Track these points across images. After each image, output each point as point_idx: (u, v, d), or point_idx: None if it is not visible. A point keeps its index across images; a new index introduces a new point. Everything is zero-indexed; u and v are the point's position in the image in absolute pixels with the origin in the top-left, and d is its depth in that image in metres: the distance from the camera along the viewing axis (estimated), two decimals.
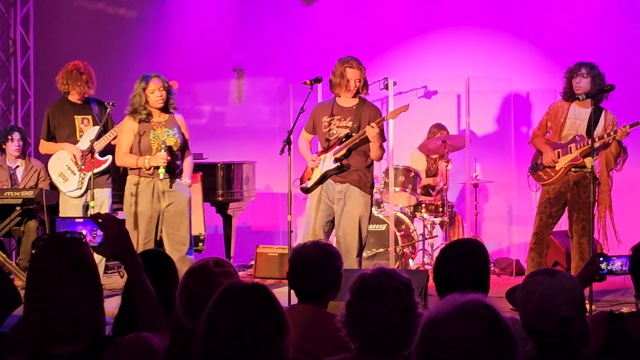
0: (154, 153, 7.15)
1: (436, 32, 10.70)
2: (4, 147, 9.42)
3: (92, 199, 7.42)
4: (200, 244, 8.89)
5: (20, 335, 2.94)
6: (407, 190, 9.37)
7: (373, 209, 9.22)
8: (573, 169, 7.42)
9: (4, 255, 8.54)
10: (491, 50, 10.47)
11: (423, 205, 9.65)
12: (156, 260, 3.88)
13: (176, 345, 3.13)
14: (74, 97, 7.89)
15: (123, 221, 3.12)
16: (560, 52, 9.82)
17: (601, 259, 3.90)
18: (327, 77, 7.25)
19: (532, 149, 7.80)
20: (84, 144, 7.77)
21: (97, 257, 6.16)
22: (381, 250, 9.14)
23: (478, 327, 2.05)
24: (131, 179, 7.29)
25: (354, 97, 7.16)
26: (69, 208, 7.72)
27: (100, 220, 3.04)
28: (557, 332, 2.85)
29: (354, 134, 7.02)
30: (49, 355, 2.65)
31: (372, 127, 6.84)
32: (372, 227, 9.08)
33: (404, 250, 9.31)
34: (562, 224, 9.38)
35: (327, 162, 7.12)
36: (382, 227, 9.21)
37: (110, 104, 7.48)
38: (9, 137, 9.34)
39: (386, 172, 9.45)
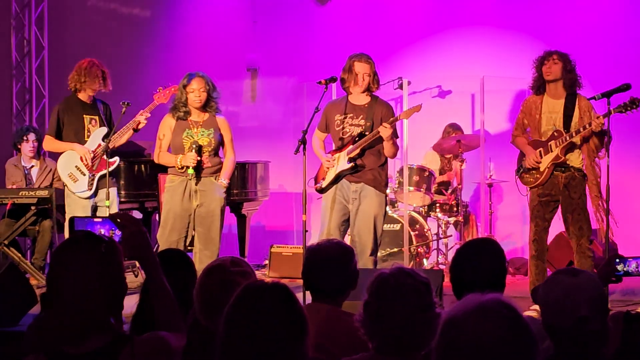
0: (186, 152, 7.19)
1: (450, 32, 10.69)
2: (19, 146, 9.45)
3: (108, 198, 7.44)
4: None
5: (37, 333, 2.95)
6: (422, 189, 9.36)
7: (387, 208, 9.25)
8: (559, 169, 7.18)
9: (19, 255, 8.57)
10: (505, 49, 10.45)
11: (437, 204, 9.64)
12: (174, 259, 3.89)
13: (193, 344, 3.13)
14: (84, 96, 7.82)
15: (140, 220, 3.13)
16: (575, 53, 9.77)
17: (617, 260, 3.89)
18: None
19: (517, 148, 7.61)
20: (92, 144, 7.75)
21: None
22: (395, 249, 9.14)
23: (498, 326, 2.05)
24: (168, 177, 7.36)
25: (365, 93, 7.12)
26: (78, 208, 7.66)
27: (118, 220, 3.05)
28: (575, 331, 2.86)
29: (367, 133, 6.99)
30: (67, 354, 2.66)
31: (386, 127, 6.82)
32: (386, 226, 9.05)
33: (418, 249, 9.31)
34: None
35: (342, 162, 7.10)
36: (397, 227, 9.20)
37: (126, 103, 7.48)
38: (25, 137, 9.35)
39: (400, 171, 9.44)
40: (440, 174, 10.00)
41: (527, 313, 6.87)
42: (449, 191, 9.83)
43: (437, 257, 9.65)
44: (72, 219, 3.24)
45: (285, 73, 11.40)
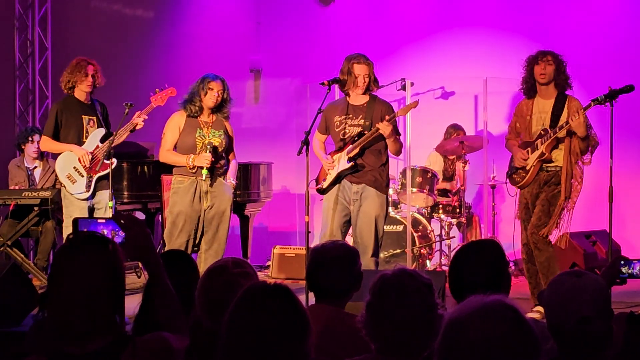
0: (198, 152, 7.20)
1: (454, 33, 10.69)
2: (23, 147, 9.46)
3: (110, 199, 7.43)
4: None
5: (39, 334, 2.95)
6: (425, 191, 9.36)
7: (390, 209, 9.25)
8: (544, 168, 7.15)
9: (22, 255, 8.58)
10: (509, 51, 10.44)
11: (440, 206, 9.64)
12: (177, 260, 3.89)
13: (195, 345, 3.13)
14: (81, 96, 7.74)
15: (143, 221, 3.13)
16: (577, 55, 9.79)
17: (622, 262, 3.89)
18: None
19: (509, 151, 7.58)
20: (90, 145, 7.70)
21: None
22: (398, 251, 9.13)
23: (501, 328, 2.05)
24: (175, 179, 7.34)
25: (364, 94, 7.12)
26: (75, 210, 7.62)
27: (122, 221, 3.05)
28: (578, 332, 2.86)
29: (366, 132, 6.99)
30: (68, 354, 2.66)
31: (385, 124, 6.81)
32: (389, 227, 9.08)
33: (421, 251, 9.30)
34: (578, 225, 9.39)
35: (342, 162, 7.09)
36: (400, 228, 9.20)
37: (129, 104, 7.46)
38: (30, 138, 9.36)
39: (403, 172, 9.44)
40: (444, 175, 10.00)
41: (530, 314, 6.87)
42: (452, 193, 9.84)
43: (440, 258, 9.65)
44: (75, 220, 3.24)
45: (289, 74, 11.40)
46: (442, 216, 9.64)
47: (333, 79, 7.08)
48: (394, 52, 10.66)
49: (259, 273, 9.92)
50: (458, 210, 9.58)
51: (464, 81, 10.47)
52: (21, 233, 8.68)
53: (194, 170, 7.22)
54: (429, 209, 9.69)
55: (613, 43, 9.97)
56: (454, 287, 3.70)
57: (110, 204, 7.44)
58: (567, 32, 10.15)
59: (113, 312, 2.72)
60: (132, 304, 3.75)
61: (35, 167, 9.45)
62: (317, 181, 7.32)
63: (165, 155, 7.39)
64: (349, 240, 7.39)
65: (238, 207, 9.41)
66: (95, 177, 7.61)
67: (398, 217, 9.27)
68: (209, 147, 7.20)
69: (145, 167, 8.84)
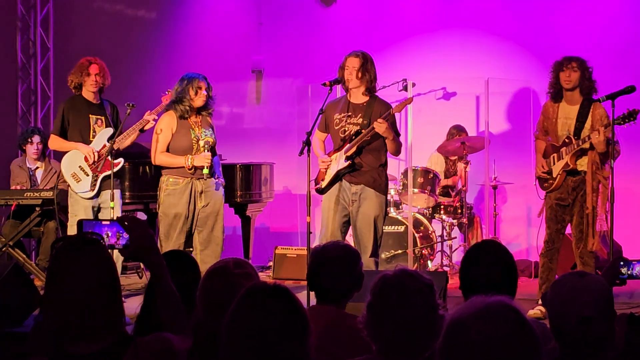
0: (194, 152, 7.21)
1: (455, 34, 10.70)
2: (24, 148, 9.47)
3: (112, 199, 7.43)
4: None
5: (41, 335, 2.96)
6: (426, 191, 9.36)
7: (392, 210, 9.25)
8: (571, 174, 7.25)
9: (24, 256, 8.57)
10: (510, 51, 10.46)
11: (442, 206, 9.64)
12: (179, 261, 3.90)
13: (198, 345, 3.14)
14: (89, 96, 7.79)
15: (146, 223, 3.14)
16: (578, 54, 9.78)
17: (621, 263, 3.89)
18: None
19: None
20: (97, 144, 7.74)
21: (115, 258, 6.19)
22: (400, 251, 9.13)
23: (502, 328, 2.06)
24: (168, 179, 7.34)
25: (364, 92, 7.09)
26: (80, 209, 7.66)
27: (126, 223, 3.07)
28: (580, 332, 2.86)
29: (363, 131, 6.99)
30: (70, 354, 2.67)
31: (380, 122, 6.80)
32: (390, 228, 9.08)
33: (423, 251, 9.30)
34: None
35: (340, 161, 7.07)
36: (401, 229, 9.20)
37: (130, 105, 7.48)
38: (29, 139, 9.36)
39: (405, 173, 9.44)
40: (445, 176, 10.00)
41: (531, 312, 6.89)
42: (454, 193, 9.84)
43: (442, 259, 9.65)
44: (80, 222, 3.25)
45: (290, 75, 11.41)
46: (444, 217, 9.64)
47: (334, 79, 7.07)
48: (395, 52, 10.67)
49: (260, 274, 9.92)
50: (459, 211, 9.58)
51: (465, 82, 10.48)
52: (23, 233, 8.68)
53: (192, 171, 7.23)
54: (430, 209, 9.69)
55: (615, 43, 9.98)
56: (465, 287, 3.72)
57: (112, 204, 7.44)
58: (569, 33, 10.15)
59: (112, 313, 2.73)
60: (134, 304, 3.76)
61: (37, 167, 9.45)
62: (317, 181, 7.31)
63: (160, 157, 7.38)
64: (350, 240, 7.40)
65: (239, 208, 9.42)
66: (101, 176, 7.64)
67: (399, 217, 9.27)
68: (206, 146, 7.22)
69: (147, 167, 8.83)
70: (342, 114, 7.13)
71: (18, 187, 9.15)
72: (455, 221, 9.66)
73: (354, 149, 6.99)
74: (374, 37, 10.71)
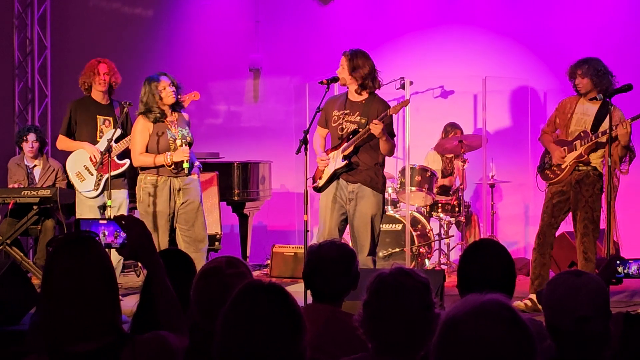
0: (175, 149, 7.21)
1: (453, 32, 10.70)
2: (22, 146, 9.47)
3: (110, 198, 7.44)
4: (217, 244, 8.92)
5: (38, 333, 2.96)
6: (424, 189, 9.36)
7: (389, 208, 9.25)
8: (578, 168, 7.26)
9: (22, 254, 8.57)
10: (508, 50, 10.47)
11: (439, 205, 9.64)
12: (176, 259, 3.90)
13: (194, 344, 3.13)
14: (98, 96, 7.84)
15: (143, 222, 3.15)
16: (576, 52, 9.80)
17: (617, 262, 3.90)
18: None
19: (543, 146, 7.71)
20: (103, 145, 7.76)
21: (115, 257, 6.20)
22: (397, 250, 9.14)
23: (497, 327, 2.06)
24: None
25: (364, 90, 7.08)
26: (85, 208, 7.71)
27: (123, 222, 3.07)
28: (576, 331, 2.86)
29: (360, 130, 6.97)
30: (68, 353, 2.67)
31: (375, 124, 6.79)
32: (388, 226, 9.08)
33: (420, 250, 9.30)
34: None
35: (337, 160, 7.06)
36: (399, 227, 9.20)
37: (128, 103, 7.49)
38: (25, 137, 9.37)
39: (402, 171, 9.45)
40: (443, 174, 10.00)
41: (516, 303, 6.88)
42: (451, 191, 9.85)
43: (439, 257, 9.65)
44: (77, 221, 3.26)
45: (288, 73, 11.40)
46: (441, 215, 9.65)
47: (332, 77, 7.06)
48: (393, 50, 10.66)
49: (258, 272, 9.95)
50: (457, 209, 9.58)
51: (463, 80, 10.48)
52: (20, 232, 8.68)
53: (171, 168, 7.22)
54: (427, 207, 9.69)
55: (614, 41, 9.98)
56: (462, 285, 3.73)
57: (109, 202, 7.45)
58: (567, 31, 10.16)
59: (109, 311, 2.73)
60: (131, 302, 3.77)
61: (35, 165, 9.45)
62: (314, 179, 7.31)
63: (139, 158, 7.37)
64: (347, 238, 7.40)
65: (237, 206, 9.43)
66: (106, 176, 7.65)
67: (397, 216, 9.27)
68: (184, 141, 7.23)
69: None
70: (340, 111, 7.12)
71: (16, 186, 9.15)
72: (452, 219, 9.67)
73: (350, 149, 6.98)
74: (372, 35, 10.71)
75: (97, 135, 7.80)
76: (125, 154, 7.74)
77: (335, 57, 7.29)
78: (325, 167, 7.13)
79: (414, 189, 9.31)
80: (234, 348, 2.52)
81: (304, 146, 6.79)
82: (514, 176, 10.09)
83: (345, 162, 6.99)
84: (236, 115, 11.86)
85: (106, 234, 3.13)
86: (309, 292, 4.07)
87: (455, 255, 9.74)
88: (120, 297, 2.88)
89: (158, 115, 7.29)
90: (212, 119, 11.61)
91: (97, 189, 7.71)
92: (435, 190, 9.56)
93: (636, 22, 10.02)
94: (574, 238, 8.57)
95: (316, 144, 7.31)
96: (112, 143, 7.61)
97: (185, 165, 7.21)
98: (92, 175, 7.71)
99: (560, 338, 2.92)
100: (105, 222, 3.19)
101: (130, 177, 8.65)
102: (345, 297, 4.00)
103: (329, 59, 10.36)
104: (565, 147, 7.30)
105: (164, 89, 7.28)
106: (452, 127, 9.94)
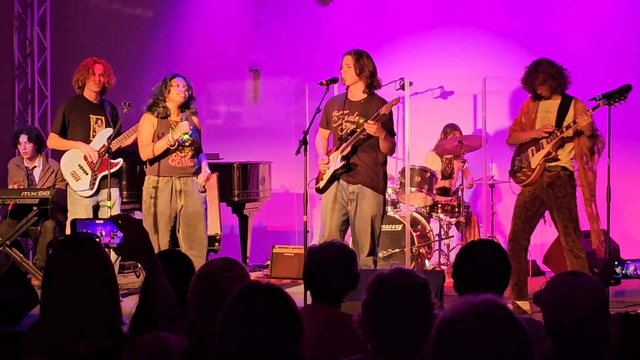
0: (175, 149, 7.23)
1: (452, 33, 10.70)
2: (17, 147, 9.49)
3: (109, 199, 7.44)
4: (217, 244, 8.92)
5: (38, 334, 2.96)
6: (423, 190, 9.36)
7: (389, 208, 9.25)
8: (548, 168, 7.21)
9: (21, 255, 8.58)
10: (507, 50, 10.46)
11: (439, 205, 9.64)
12: (174, 260, 3.90)
13: (193, 345, 3.14)
14: (90, 96, 7.83)
15: (141, 222, 3.14)
16: (576, 55, 9.81)
17: (616, 262, 3.90)
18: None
19: (511, 149, 7.65)
20: (97, 144, 7.75)
21: (112, 257, 6.20)
22: (397, 250, 9.13)
23: (492, 327, 2.06)
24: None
25: (363, 89, 7.07)
26: (79, 207, 7.68)
27: (120, 222, 3.06)
28: (575, 332, 2.87)
29: (357, 130, 6.96)
30: (69, 354, 2.67)
31: (370, 123, 6.77)
32: (388, 227, 9.08)
33: (420, 250, 9.31)
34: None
35: (336, 161, 7.06)
36: (398, 227, 9.20)
37: (127, 104, 7.48)
38: (18, 139, 9.40)
39: (402, 172, 9.45)
40: (442, 175, 10.00)
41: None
42: (451, 192, 9.85)
43: (439, 257, 9.66)
44: (73, 221, 3.25)
45: (288, 74, 11.41)
46: (441, 215, 9.65)
47: (331, 78, 7.06)
48: (392, 51, 10.66)
49: (258, 273, 9.95)
50: (457, 209, 9.58)
51: (462, 81, 10.48)
52: (20, 233, 8.68)
53: (175, 146, 7.22)
54: (427, 208, 9.69)
55: (613, 42, 9.98)
56: (459, 286, 3.75)
57: (109, 203, 7.45)
58: (567, 31, 10.17)
59: (109, 313, 2.73)
60: (131, 303, 3.77)
61: (35, 166, 9.46)
62: (317, 181, 7.30)
63: (145, 150, 7.35)
64: (347, 239, 7.41)
65: (237, 207, 9.43)
66: (100, 175, 7.64)
67: (397, 216, 9.27)
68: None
69: (145, 167, 8.85)
70: (340, 112, 7.11)
71: (15, 187, 9.15)
72: (452, 220, 9.67)
73: (348, 149, 6.98)
74: (371, 36, 10.71)
75: (90, 135, 7.78)
76: (118, 153, 7.73)
77: (335, 57, 7.30)
78: (327, 169, 7.12)
79: (413, 189, 9.31)
80: (232, 348, 2.52)
81: (303, 147, 6.79)
82: None
83: (343, 162, 6.98)
84: (236, 116, 11.86)
85: (103, 234, 3.12)
86: (308, 293, 4.07)
87: (455, 255, 9.73)
88: (120, 298, 2.87)
89: (161, 110, 7.30)
90: (212, 120, 11.61)
91: (92, 188, 7.68)
92: (435, 190, 9.56)
93: (636, 22, 10.02)
94: None
95: (318, 146, 7.30)
96: (107, 142, 7.61)
97: (185, 137, 7.22)
98: (87, 174, 7.68)
99: (559, 339, 2.92)
100: (102, 221, 3.18)
101: (128, 178, 8.68)
102: (345, 297, 4.00)
103: (328, 59, 10.38)
104: (533, 148, 7.26)
105: (177, 85, 7.30)
106: (451, 128, 9.95)
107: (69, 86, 7.95)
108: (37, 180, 9.41)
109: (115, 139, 7.64)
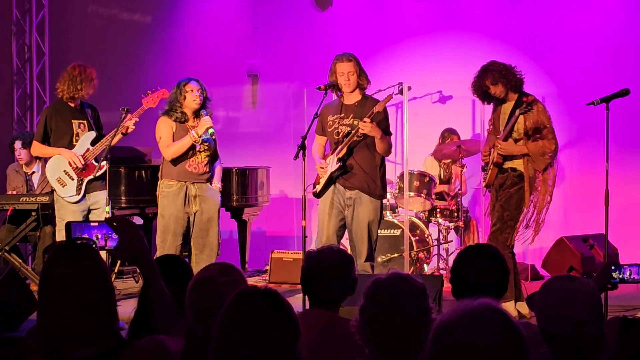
0: (194, 152, 7.28)
1: (451, 37, 10.71)
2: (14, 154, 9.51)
3: (108, 204, 7.41)
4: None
5: (37, 339, 2.96)
6: (422, 195, 9.36)
7: (388, 213, 9.25)
8: (501, 170, 7.22)
9: (20, 260, 8.57)
10: (506, 55, 10.43)
11: (438, 210, 9.64)
12: (172, 264, 3.89)
13: (190, 349, 3.14)
14: (72, 101, 7.77)
15: (136, 225, 3.13)
16: (574, 58, 9.83)
17: (613, 267, 3.90)
18: None
19: None
20: (80, 148, 7.68)
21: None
22: (396, 255, 9.13)
23: (489, 331, 2.06)
24: (163, 182, 7.38)
25: (356, 92, 7.06)
26: (67, 213, 7.62)
27: (115, 224, 3.06)
28: (572, 335, 2.87)
29: (352, 132, 6.96)
30: (69, 358, 2.67)
31: (365, 122, 6.77)
32: (386, 232, 9.08)
33: (419, 255, 9.31)
34: (576, 229, 9.39)
35: (332, 164, 7.06)
36: (397, 232, 9.20)
37: (125, 109, 7.46)
38: (13, 146, 9.41)
39: (401, 177, 9.45)
40: (441, 180, 10.01)
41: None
42: (450, 196, 9.85)
43: (438, 262, 9.65)
44: (68, 224, 3.23)
45: (286, 79, 11.41)
46: (440, 220, 9.65)
47: (329, 83, 7.06)
48: (391, 55, 10.67)
49: (257, 278, 9.95)
50: (456, 214, 9.58)
51: (461, 85, 10.44)
52: (19, 238, 8.68)
53: (199, 142, 7.24)
54: (426, 213, 9.69)
55: (611, 45, 10.00)
56: (456, 290, 3.75)
57: (108, 209, 7.44)
58: (565, 36, 10.18)
59: (106, 317, 2.73)
60: (129, 308, 3.77)
61: (34, 172, 9.46)
62: (314, 185, 7.31)
63: (169, 149, 7.31)
64: (346, 244, 7.41)
65: (236, 212, 9.43)
66: (86, 179, 7.62)
67: (395, 221, 9.27)
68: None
69: (143, 171, 8.85)
70: (335, 116, 7.12)
71: (14, 192, 9.15)
72: (451, 225, 9.67)
73: (344, 151, 6.98)
74: (370, 41, 10.72)
75: (74, 140, 7.72)
76: (110, 157, 7.70)
77: None
78: (324, 173, 7.12)
79: (412, 194, 9.31)
80: (230, 352, 2.53)
81: (301, 152, 6.80)
82: None
83: (339, 164, 6.97)
84: (234, 121, 11.86)
85: (99, 237, 3.11)
86: (307, 297, 4.07)
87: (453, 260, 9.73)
88: (117, 302, 2.87)
89: (179, 115, 7.31)
90: None
91: (79, 193, 7.64)
92: (434, 195, 9.57)
93: (636, 23, 10.03)
94: (572, 242, 8.63)
95: (314, 152, 7.29)
96: (90, 146, 7.59)
97: (211, 131, 7.30)
98: (72, 180, 7.62)
99: (555, 342, 2.92)
100: (96, 224, 3.17)
101: (127, 183, 8.67)
102: (343, 302, 4.00)
103: (327, 64, 10.33)
104: (492, 149, 7.28)
105: (191, 91, 7.31)
106: (449, 133, 9.96)
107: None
108: (35, 185, 9.41)
109: (98, 143, 7.57)
